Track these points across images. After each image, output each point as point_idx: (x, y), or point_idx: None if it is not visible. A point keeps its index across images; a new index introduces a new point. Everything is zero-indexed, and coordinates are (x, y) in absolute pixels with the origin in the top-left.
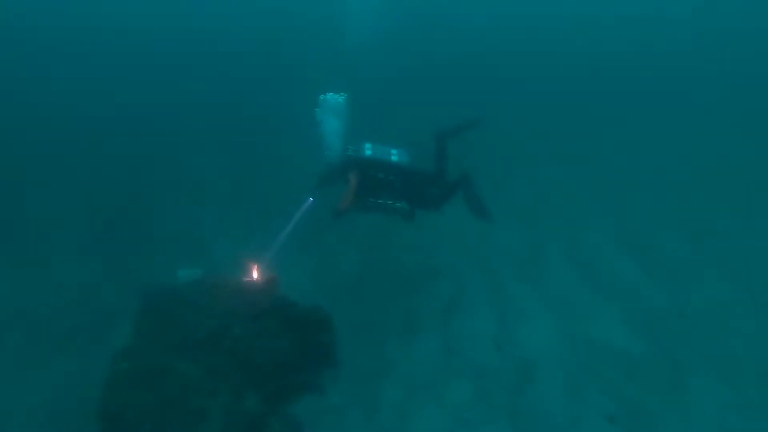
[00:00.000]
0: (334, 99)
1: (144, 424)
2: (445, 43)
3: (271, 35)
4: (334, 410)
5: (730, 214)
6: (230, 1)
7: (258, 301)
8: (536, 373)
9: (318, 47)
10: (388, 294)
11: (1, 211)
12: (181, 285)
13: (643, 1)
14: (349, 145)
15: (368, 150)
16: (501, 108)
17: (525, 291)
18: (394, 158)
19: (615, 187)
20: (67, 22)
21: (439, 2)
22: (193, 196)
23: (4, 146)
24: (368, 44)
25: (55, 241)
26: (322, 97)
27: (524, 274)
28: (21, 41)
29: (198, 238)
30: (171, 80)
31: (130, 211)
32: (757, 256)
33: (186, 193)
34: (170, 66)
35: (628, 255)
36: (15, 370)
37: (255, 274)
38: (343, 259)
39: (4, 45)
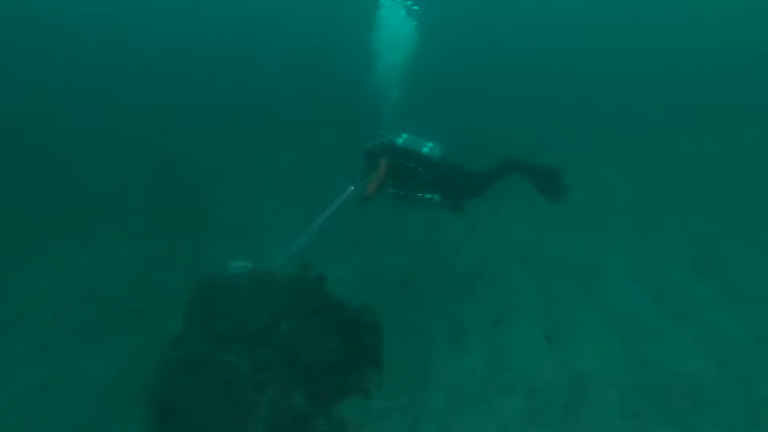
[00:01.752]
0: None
1: (193, 413)
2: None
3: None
4: (378, 415)
5: None
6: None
7: (307, 299)
8: (591, 393)
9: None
10: (436, 298)
11: (78, 193)
12: (231, 276)
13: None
14: (387, 133)
15: (401, 139)
16: (563, 106)
17: (582, 305)
18: (425, 150)
19: (687, 196)
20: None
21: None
22: (253, 189)
23: (79, 134)
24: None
25: (123, 223)
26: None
27: (582, 287)
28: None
29: (252, 230)
30: (232, 73)
31: (193, 197)
32: None
33: (246, 185)
34: (230, 59)
35: (698, 272)
36: (81, 344)
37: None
38: (393, 260)
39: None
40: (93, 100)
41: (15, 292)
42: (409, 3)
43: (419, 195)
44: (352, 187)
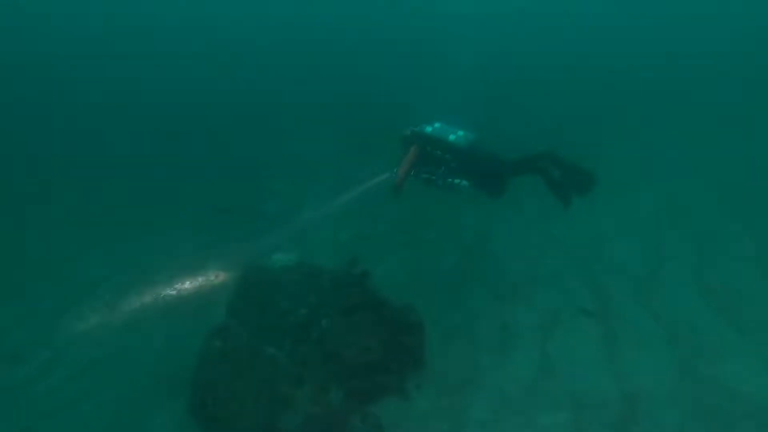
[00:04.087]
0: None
1: (231, 403)
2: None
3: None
4: (415, 418)
5: None
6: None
7: (350, 295)
8: (645, 412)
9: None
10: (485, 300)
11: (138, 184)
12: (276, 269)
13: None
14: (418, 122)
15: (431, 128)
16: (626, 107)
17: (640, 314)
18: (452, 138)
19: (757, 202)
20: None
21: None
22: (306, 182)
23: (140, 131)
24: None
25: (178, 212)
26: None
27: (641, 295)
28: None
29: (299, 226)
30: (288, 73)
31: (246, 188)
32: None
33: (298, 179)
34: (288, 59)
35: (766, 282)
36: (129, 328)
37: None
38: (442, 258)
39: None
40: (152, 98)
41: (79, 273)
42: None
43: (449, 180)
44: (390, 174)
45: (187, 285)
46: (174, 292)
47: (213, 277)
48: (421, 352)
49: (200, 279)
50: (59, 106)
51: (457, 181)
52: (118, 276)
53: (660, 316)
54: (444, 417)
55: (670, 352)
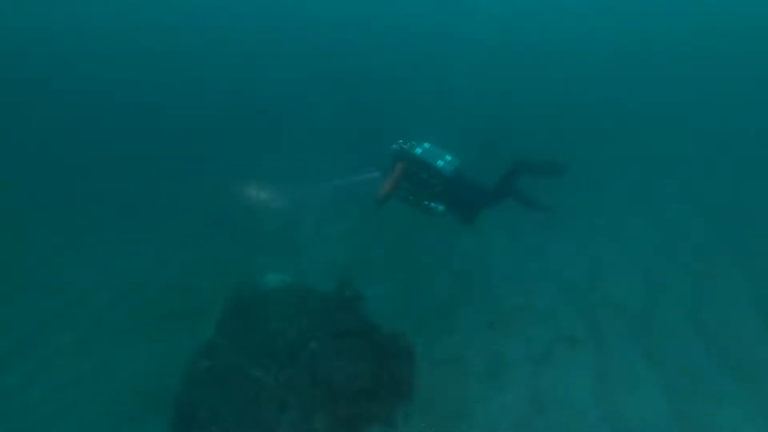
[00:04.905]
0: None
1: (213, 425)
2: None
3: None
4: None
5: None
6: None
7: (341, 319)
8: None
9: None
10: (477, 329)
11: (136, 194)
12: (268, 288)
13: None
14: (410, 140)
15: (420, 149)
16: (625, 135)
17: (634, 352)
18: (439, 163)
19: (758, 240)
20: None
21: None
22: (303, 200)
23: (140, 137)
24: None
25: (172, 224)
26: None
27: (635, 332)
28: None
29: (296, 243)
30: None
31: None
32: None
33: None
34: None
35: (765, 325)
36: (118, 341)
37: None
38: (436, 284)
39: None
40: (155, 100)
41: (69, 283)
42: None
43: (425, 203)
44: (377, 175)
45: (177, 299)
46: (163, 307)
47: (204, 293)
48: (411, 381)
49: (191, 294)
50: (51, 116)
51: (433, 204)
52: (108, 288)
53: (654, 356)
54: None
55: (663, 393)
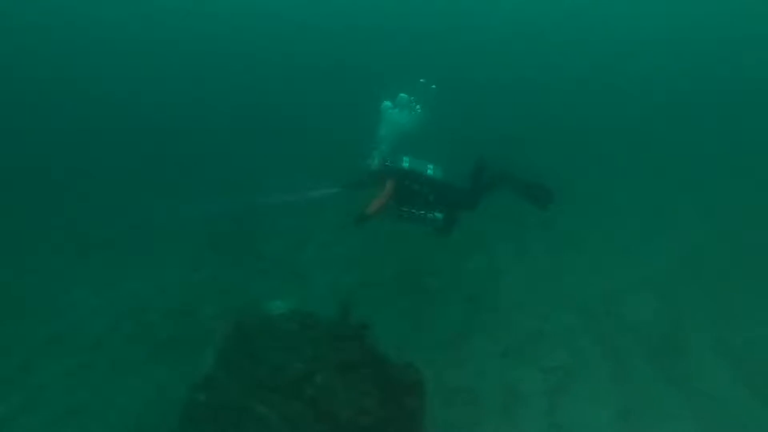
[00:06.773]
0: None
1: None
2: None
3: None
4: None
5: None
6: None
7: (348, 349)
8: None
9: None
10: (490, 358)
11: (133, 215)
12: (272, 316)
13: None
14: (388, 157)
15: (406, 162)
16: (642, 155)
17: (656, 380)
18: (430, 172)
19: None
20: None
21: None
22: (306, 222)
23: (142, 159)
24: None
25: (177, 248)
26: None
27: (657, 359)
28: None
29: (300, 265)
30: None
31: (245, 225)
32: None
33: (300, 218)
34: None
35: None
36: (115, 370)
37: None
38: (445, 309)
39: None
40: (154, 120)
41: (70, 306)
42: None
43: (422, 213)
44: (337, 191)
45: (177, 324)
46: (163, 332)
47: (205, 318)
48: (421, 416)
49: (191, 319)
50: (48, 141)
51: (431, 215)
52: (107, 313)
53: (677, 382)
54: None
55: (691, 424)
